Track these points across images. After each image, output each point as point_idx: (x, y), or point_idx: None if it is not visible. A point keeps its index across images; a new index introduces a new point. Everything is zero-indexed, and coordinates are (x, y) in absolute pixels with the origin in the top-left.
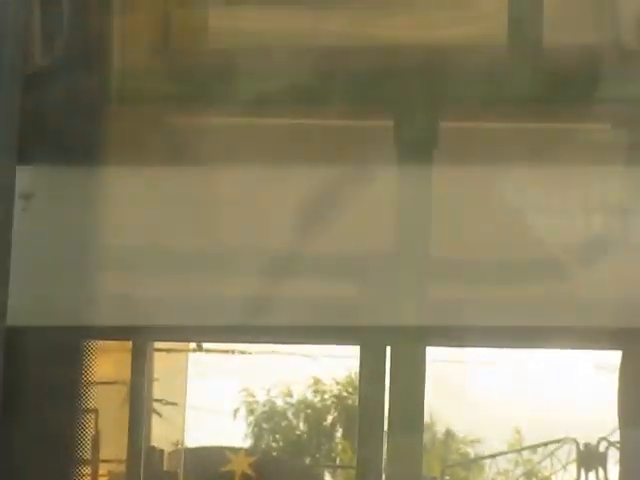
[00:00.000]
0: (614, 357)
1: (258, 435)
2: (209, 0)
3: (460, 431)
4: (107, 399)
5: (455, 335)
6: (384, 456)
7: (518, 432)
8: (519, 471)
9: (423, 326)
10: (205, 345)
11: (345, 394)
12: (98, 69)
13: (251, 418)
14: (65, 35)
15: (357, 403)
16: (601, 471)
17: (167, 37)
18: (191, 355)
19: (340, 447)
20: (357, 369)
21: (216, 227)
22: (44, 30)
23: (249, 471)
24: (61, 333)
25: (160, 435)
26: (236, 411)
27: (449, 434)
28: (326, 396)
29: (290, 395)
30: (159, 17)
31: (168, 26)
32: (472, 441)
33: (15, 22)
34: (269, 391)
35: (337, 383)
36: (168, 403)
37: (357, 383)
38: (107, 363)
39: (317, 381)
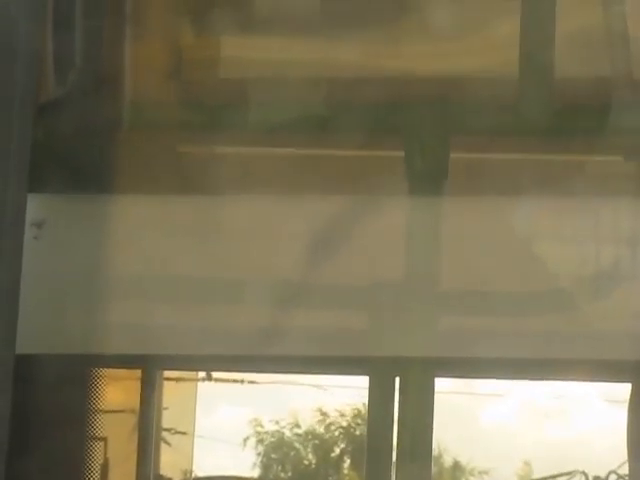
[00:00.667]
0: (623, 390)
1: (267, 465)
2: (222, 29)
3: (468, 462)
4: (116, 427)
5: (464, 366)
6: None
7: (528, 464)
8: None
9: (432, 357)
10: (214, 375)
11: (353, 425)
12: (110, 98)
13: (260, 448)
14: (78, 65)
15: (365, 434)
16: None
17: (179, 66)
18: (200, 384)
19: (348, 478)
20: (365, 400)
21: (227, 257)
22: (56, 60)
23: None
24: (71, 361)
25: (169, 464)
26: (245, 440)
27: (456, 465)
28: (334, 427)
29: (298, 425)
30: (171, 46)
31: (180, 55)
32: (480, 472)
33: (28, 52)
34: (278, 421)
35: (345, 414)
36: (177, 432)
37: (365, 414)
38: (116, 391)
39: (325, 412)
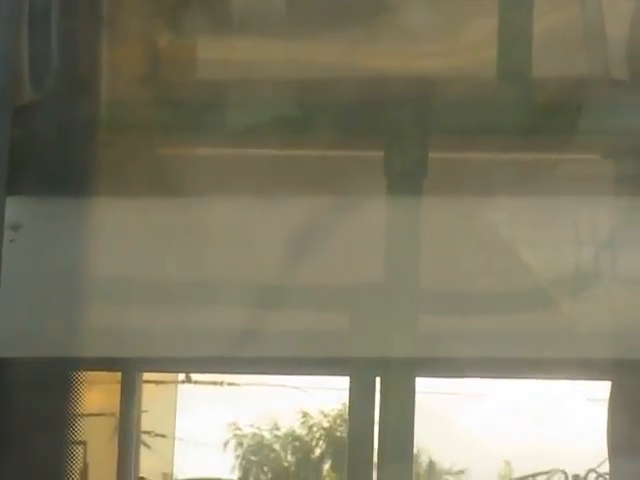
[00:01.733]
0: (603, 389)
1: (246, 467)
2: (198, 30)
3: (448, 461)
4: (96, 431)
5: (445, 366)
6: None
7: (508, 463)
8: None
9: (413, 357)
10: (194, 377)
11: (334, 426)
12: (87, 100)
13: (240, 450)
14: (54, 67)
15: (346, 434)
16: None
17: (156, 68)
18: (180, 387)
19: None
20: (346, 401)
21: (205, 258)
22: (33, 63)
23: None
24: (49, 364)
25: (149, 467)
26: (225, 443)
27: (436, 464)
28: (315, 428)
29: (278, 427)
30: (148, 48)
31: (157, 57)
32: (460, 471)
33: (3, 55)
34: (258, 423)
35: (326, 415)
36: (157, 435)
37: (346, 415)
38: (96, 394)
39: (306, 413)
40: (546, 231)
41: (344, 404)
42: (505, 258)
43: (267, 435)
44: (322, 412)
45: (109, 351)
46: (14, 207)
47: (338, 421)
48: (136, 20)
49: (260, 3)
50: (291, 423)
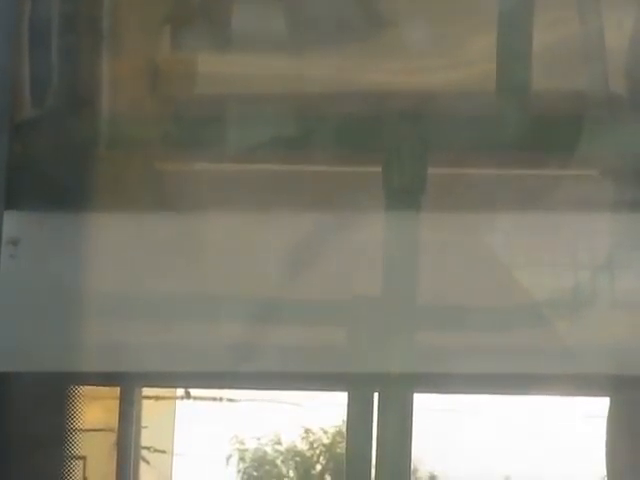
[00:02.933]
0: (602, 406)
1: None
2: (199, 45)
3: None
4: (95, 446)
5: (443, 382)
6: None
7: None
8: None
9: (411, 372)
10: (193, 393)
11: (333, 442)
12: (87, 115)
13: (240, 466)
14: (54, 83)
15: (344, 450)
16: None
17: (156, 83)
18: (179, 403)
19: None
20: (345, 417)
21: (205, 273)
22: (33, 78)
23: None
24: (48, 379)
25: None
26: (225, 458)
27: None
28: (315, 444)
29: (279, 443)
30: (148, 63)
31: (157, 71)
32: None
33: (2, 71)
34: (258, 439)
35: (325, 431)
36: (156, 451)
37: (344, 431)
38: (95, 410)
39: (306, 429)
40: (544, 247)
41: (343, 420)
42: (503, 274)
43: (268, 450)
44: (322, 428)
45: (108, 366)
46: (13, 222)
47: (338, 438)
48: (136, 35)
49: (260, 19)
50: (291, 439)
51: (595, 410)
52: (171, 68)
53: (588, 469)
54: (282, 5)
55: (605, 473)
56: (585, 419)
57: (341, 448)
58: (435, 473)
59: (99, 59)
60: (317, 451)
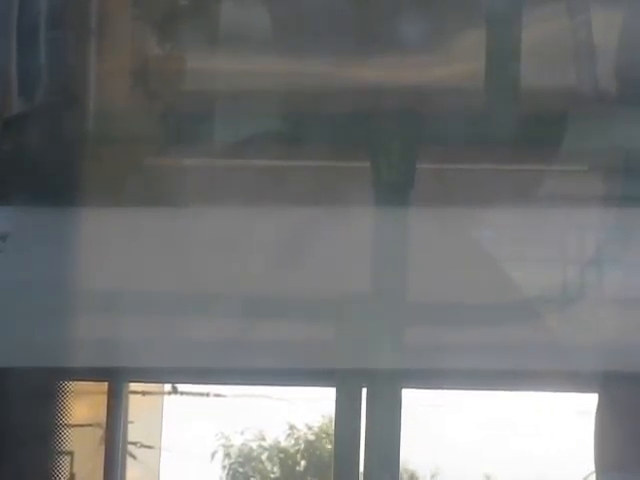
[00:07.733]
0: (590, 402)
1: (233, 478)
2: (188, 42)
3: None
4: (82, 441)
5: (431, 378)
6: None
7: (488, 478)
8: None
9: (399, 369)
10: (181, 388)
11: (320, 438)
12: (76, 111)
13: (226, 461)
14: (43, 79)
15: (332, 446)
16: None
17: (145, 79)
18: (166, 398)
19: None
20: (332, 413)
21: (193, 269)
22: (21, 73)
23: None
24: (36, 374)
25: (135, 478)
26: (212, 454)
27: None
28: (300, 440)
29: (264, 439)
30: (137, 60)
31: (146, 69)
32: None
33: None
34: (244, 434)
35: (311, 427)
36: (143, 446)
37: (331, 427)
38: (82, 405)
39: (292, 425)
40: (533, 243)
41: (330, 416)
42: (492, 270)
43: (254, 446)
44: (309, 425)
45: (96, 361)
46: (1, 217)
47: (324, 434)
48: (125, 32)
49: (246, 16)
50: (277, 435)
51: (583, 406)
52: (160, 64)
53: (576, 465)
54: (270, 3)
55: (593, 468)
56: (574, 415)
57: (327, 444)
58: (422, 468)
59: (88, 55)
60: (302, 447)
